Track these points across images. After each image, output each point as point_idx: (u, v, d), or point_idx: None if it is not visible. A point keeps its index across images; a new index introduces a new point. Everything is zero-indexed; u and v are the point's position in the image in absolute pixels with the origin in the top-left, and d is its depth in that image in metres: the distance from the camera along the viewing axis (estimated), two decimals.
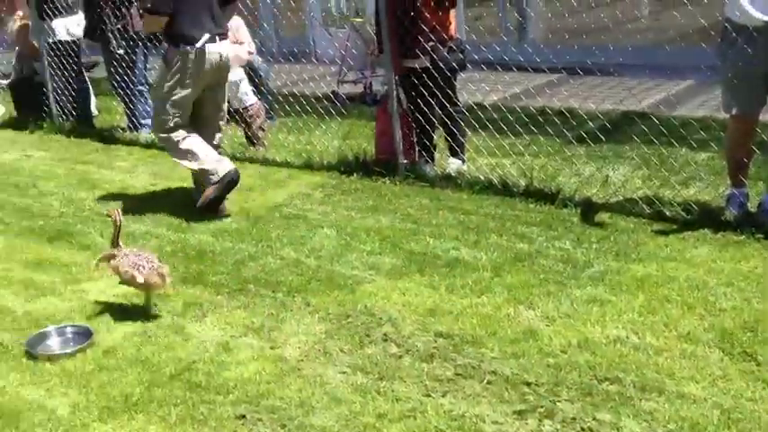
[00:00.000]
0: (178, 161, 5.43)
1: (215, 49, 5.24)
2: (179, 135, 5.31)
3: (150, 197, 5.83)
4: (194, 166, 5.33)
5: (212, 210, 5.30)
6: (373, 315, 3.81)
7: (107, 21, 7.09)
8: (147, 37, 7.19)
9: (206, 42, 5.18)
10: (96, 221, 5.34)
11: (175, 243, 4.91)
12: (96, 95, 8.14)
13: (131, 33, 7.13)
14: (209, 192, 5.26)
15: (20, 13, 8.11)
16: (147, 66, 7.59)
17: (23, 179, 6.38)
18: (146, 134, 7.32)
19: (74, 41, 7.73)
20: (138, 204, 5.65)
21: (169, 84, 5.25)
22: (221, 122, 5.57)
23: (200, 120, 5.43)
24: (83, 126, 7.72)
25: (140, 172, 6.44)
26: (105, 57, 7.46)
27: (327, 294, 4.06)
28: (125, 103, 7.44)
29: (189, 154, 5.31)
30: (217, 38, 5.28)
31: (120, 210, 4.20)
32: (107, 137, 7.45)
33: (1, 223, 5.43)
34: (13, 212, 5.61)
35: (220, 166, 5.29)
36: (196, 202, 5.34)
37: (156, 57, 8.02)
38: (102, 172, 6.52)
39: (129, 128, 7.48)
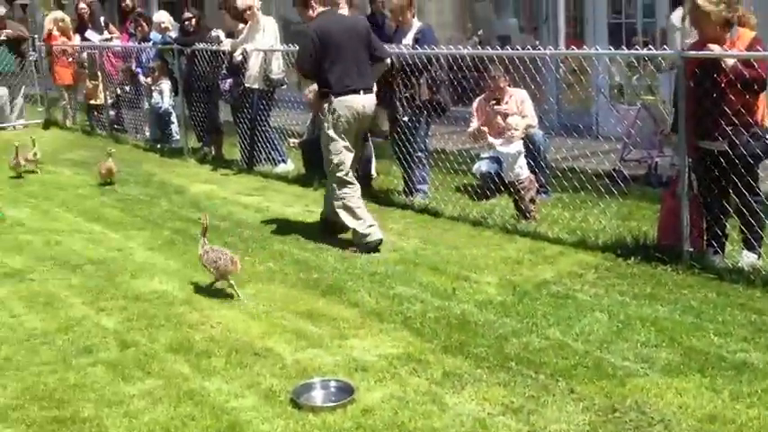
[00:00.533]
0: (339, 209, 6.25)
1: (358, 101, 6.20)
2: (348, 187, 6.28)
3: (418, 261, 5.87)
4: (351, 224, 6.20)
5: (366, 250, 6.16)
6: (644, 413, 3.50)
7: (396, 89, 7.35)
8: (432, 107, 7.37)
9: (350, 94, 6.12)
10: (366, 280, 5.46)
11: (439, 310, 4.87)
12: (377, 158, 8.46)
13: (418, 102, 7.35)
14: (355, 249, 6.14)
15: None
16: (429, 133, 7.79)
17: (304, 233, 6.71)
18: (420, 199, 7.46)
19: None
20: (405, 267, 5.72)
21: (329, 130, 6.24)
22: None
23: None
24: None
25: (411, 236, 6.54)
26: (390, 123, 7.73)
27: (594, 383, 3.80)
28: (403, 167, 7.66)
29: (351, 212, 6.22)
30: (361, 91, 6.22)
31: (207, 215, 5.61)
32: (382, 199, 7.68)
33: (281, 273, 5.71)
34: (292, 264, 5.89)
35: (371, 233, 6.16)
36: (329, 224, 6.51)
37: (438, 125, 8.28)
38: None
39: (405, 192, 7.67)
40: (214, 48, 9.64)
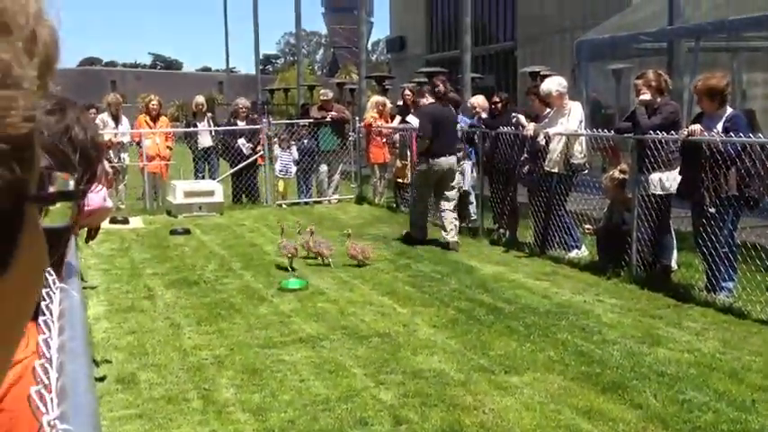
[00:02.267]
0: (412, 225, 10.21)
1: (445, 161, 9.76)
2: (423, 211, 10.25)
3: (714, 366, 5.37)
4: (412, 228, 10.18)
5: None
6: None
7: (704, 178, 6.93)
8: (744, 199, 6.84)
9: (440, 157, 9.71)
10: (653, 381, 5.09)
11: (734, 423, 4.42)
12: (679, 250, 7.96)
13: (727, 194, 6.85)
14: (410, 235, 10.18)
15: (623, 166, 8.43)
16: (738, 226, 7.18)
17: (590, 323, 6.44)
18: (723, 297, 6.87)
19: (666, 196, 7.72)
20: (699, 371, 5.26)
21: (421, 178, 10.03)
22: (450, 200, 9.98)
23: (439, 197, 9.95)
24: (659, 279, 7.58)
25: (710, 336, 6.02)
26: (694, 214, 7.30)
27: None
28: (707, 262, 7.11)
29: (417, 224, 10.13)
30: (447, 155, 9.72)
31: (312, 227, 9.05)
32: (681, 294, 7.18)
33: (561, 363, 5.51)
34: (574, 354, 5.66)
35: (415, 235, 10.02)
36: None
37: (749, 217, 7.62)
38: (669, 330, 6.25)
39: (707, 288, 7.11)
40: (516, 132, 9.77)
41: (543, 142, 9.13)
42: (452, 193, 10.04)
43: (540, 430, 4.39)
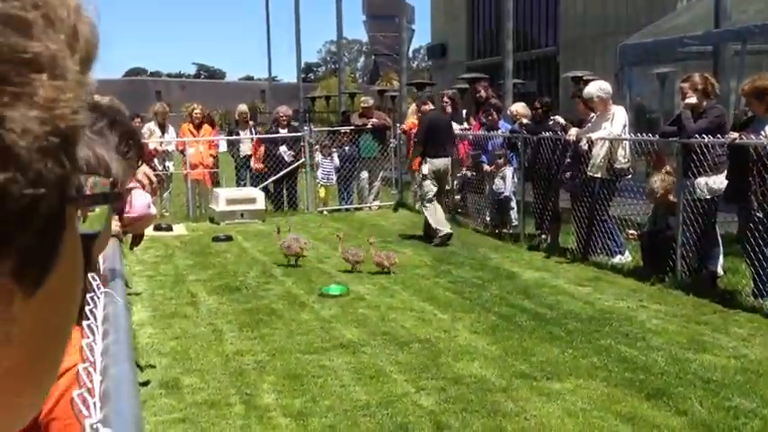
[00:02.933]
0: (427, 216, 10.75)
1: (441, 162, 10.77)
2: (434, 205, 10.73)
3: (762, 372, 5.28)
4: (432, 223, 10.60)
5: (441, 245, 10.37)
6: None
7: (752, 182, 6.81)
8: None
9: (436, 158, 10.70)
10: (698, 387, 5.00)
11: None
12: (725, 255, 7.82)
13: None
14: (437, 240, 10.41)
15: (667, 168, 8.31)
16: None
17: (634, 329, 6.36)
18: None
19: (712, 200, 7.60)
20: (746, 377, 5.16)
21: (427, 177, 10.70)
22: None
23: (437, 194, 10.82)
24: (704, 285, 7.46)
25: (756, 342, 5.91)
26: (741, 218, 7.17)
27: None
28: (754, 266, 6.98)
29: (434, 217, 10.60)
30: (442, 156, 10.73)
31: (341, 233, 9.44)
32: (728, 299, 7.06)
33: (604, 369, 5.44)
34: (618, 361, 5.60)
35: (443, 228, 10.50)
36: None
37: None
38: (715, 336, 6.15)
39: (754, 293, 6.98)
40: (558, 137, 9.69)
41: (586, 147, 9.05)
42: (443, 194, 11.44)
43: None
